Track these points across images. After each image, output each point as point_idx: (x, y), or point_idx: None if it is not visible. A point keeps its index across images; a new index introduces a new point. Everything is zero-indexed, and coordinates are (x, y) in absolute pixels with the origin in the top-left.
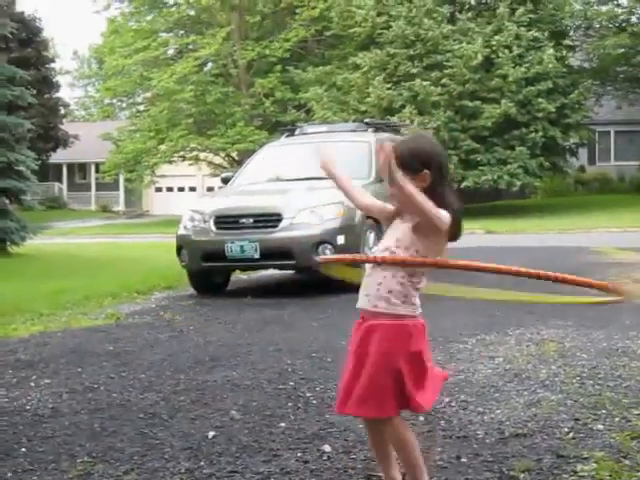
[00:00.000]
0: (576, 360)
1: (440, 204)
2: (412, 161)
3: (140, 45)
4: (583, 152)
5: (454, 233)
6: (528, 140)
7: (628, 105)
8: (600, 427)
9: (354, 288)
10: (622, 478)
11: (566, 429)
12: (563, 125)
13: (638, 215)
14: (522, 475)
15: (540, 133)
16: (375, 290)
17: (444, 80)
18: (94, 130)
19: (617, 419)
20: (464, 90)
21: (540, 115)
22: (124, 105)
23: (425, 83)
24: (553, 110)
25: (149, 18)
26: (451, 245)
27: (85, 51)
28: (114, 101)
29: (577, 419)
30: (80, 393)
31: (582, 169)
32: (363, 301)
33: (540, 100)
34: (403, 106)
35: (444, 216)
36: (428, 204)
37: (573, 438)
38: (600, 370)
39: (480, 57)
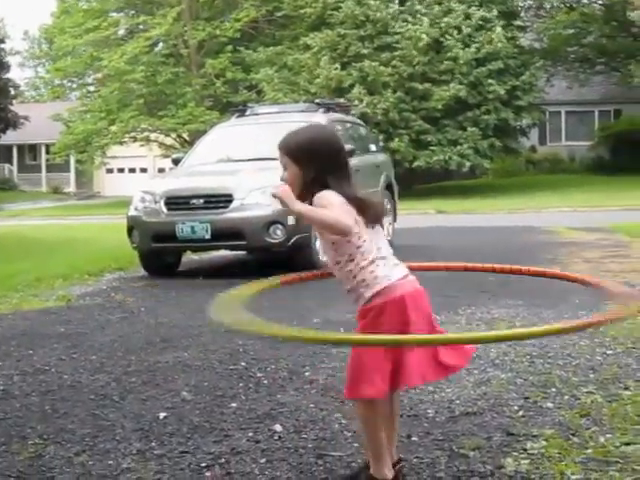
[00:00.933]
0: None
1: (314, 189)
2: (297, 153)
3: (90, 25)
4: (534, 132)
5: (372, 216)
6: (481, 121)
7: (579, 86)
8: (550, 405)
9: (305, 268)
10: (571, 455)
11: (516, 407)
12: (515, 107)
13: (588, 195)
14: (472, 453)
15: (493, 115)
16: (353, 299)
17: (394, 62)
18: (44, 111)
19: (566, 397)
20: (414, 72)
21: (491, 97)
22: (74, 86)
23: (374, 64)
24: (503, 93)
25: None
26: (402, 226)
27: (35, 31)
28: (64, 82)
29: (527, 397)
30: (31, 375)
31: (533, 149)
32: None
33: (491, 81)
34: (352, 86)
35: (346, 219)
36: (322, 216)
37: (523, 416)
38: (550, 349)
39: (426, 39)
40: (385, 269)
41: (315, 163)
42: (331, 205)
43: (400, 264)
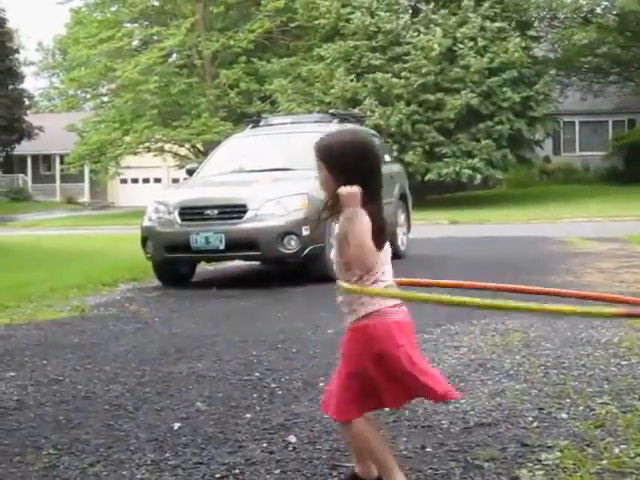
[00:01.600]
0: (540, 350)
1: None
2: (327, 157)
3: (104, 36)
4: (548, 142)
5: (385, 239)
6: (494, 132)
7: (593, 96)
8: (564, 416)
9: (319, 279)
10: (586, 466)
11: (530, 418)
12: (529, 117)
13: (602, 205)
14: (487, 464)
15: (507, 125)
16: (343, 312)
17: (404, 73)
18: (59, 121)
19: (581, 408)
20: (426, 82)
21: (505, 105)
22: (88, 96)
23: (387, 76)
24: (518, 100)
25: (113, 9)
26: (415, 236)
27: (49, 42)
28: (78, 92)
29: (541, 408)
30: (45, 385)
31: (547, 159)
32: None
33: (505, 89)
34: (366, 97)
35: (369, 256)
36: (365, 243)
37: (537, 427)
38: (564, 359)
39: (438, 48)
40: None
41: (345, 169)
42: (361, 235)
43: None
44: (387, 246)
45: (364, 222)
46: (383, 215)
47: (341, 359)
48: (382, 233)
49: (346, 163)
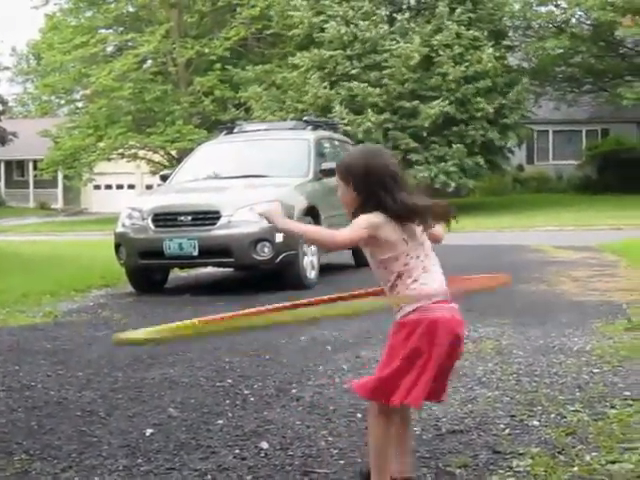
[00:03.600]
0: (513, 357)
1: (365, 210)
2: (342, 174)
3: (79, 41)
4: (522, 151)
5: (423, 222)
6: (467, 137)
7: (567, 106)
8: (536, 423)
9: (292, 286)
10: (557, 473)
11: (502, 425)
12: (501, 125)
13: (576, 214)
14: (458, 471)
15: (480, 132)
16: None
17: (384, 80)
18: (32, 127)
19: (553, 415)
20: (403, 90)
21: (479, 115)
22: (63, 102)
23: (363, 85)
24: (491, 111)
25: (88, 14)
26: None
27: (23, 47)
28: (53, 98)
29: (513, 415)
30: (17, 391)
31: (520, 168)
32: None
33: (479, 99)
34: (341, 105)
35: (335, 234)
36: (314, 231)
37: (509, 434)
38: (536, 367)
39: (418, 56)
40: (427, 289)
41: (363, 185)
42: (351, 226)
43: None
44: (427, 243)
45: (357, 220)
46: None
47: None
48: (414, 216)
49: (364, 179)
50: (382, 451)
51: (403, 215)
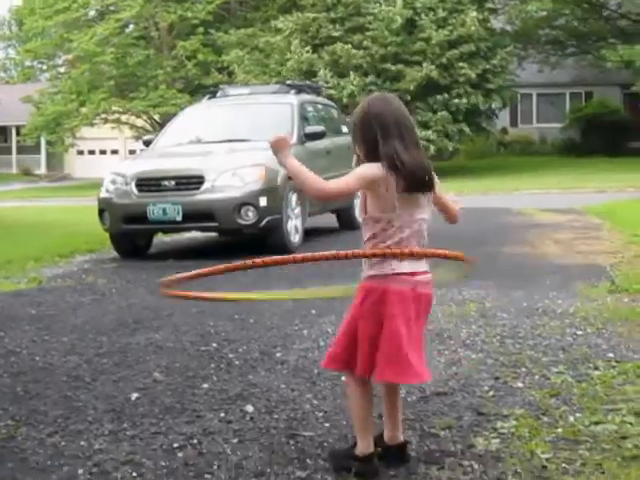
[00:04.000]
0: (497, 320)
1: (372, 158)
2: (350, 123)
3: (61, 6)
4: (505, 114)
5: (409, 184)
6: (451, 105)
7: (550, 69)
8: (520, 385)
9: (276, 250)
10: (541, 435)
11: (486, 387)
12: (485, 89)
13: (560, 177)
14: (443, 433)
15: (464, 99)
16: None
17: (366, 43)
18: (15, 92)
19: (537, 377)
20: (386, 53)
21: (462, 80)
22: (45, 67)
23: (346, 47)
24: (474, 76)
25: None
26: None
27: (5, 13)
28: (35, 63)
29: (497, 377)
30: (2, 357)
31: (504, 131)
32: None
33: (462, 64)
34: (325, 69)
35: (325, 184)
36: (303, 175)
37: (493, 396)
38: (520, 329)
39: (400, 20)
40: (391, 261)
41: (365, 132)
42: (347, 176)
43: (421, 262)
44: (419, 215)
45: (356, 170)
46: (417, 160)
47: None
48: (403, 174)
49: (364, 130)
50: (360, 418)
51: (402, 170)
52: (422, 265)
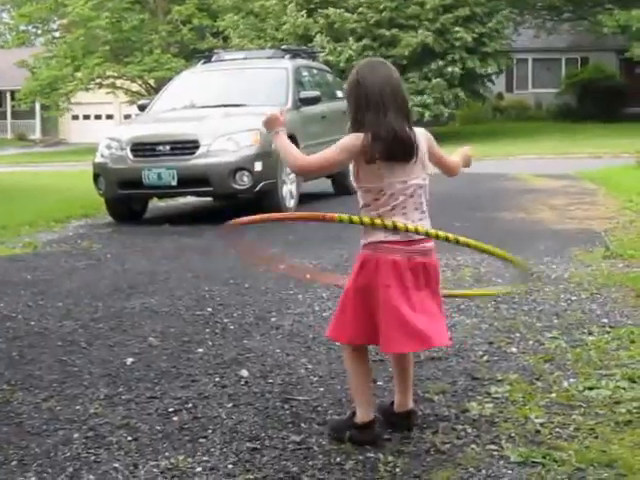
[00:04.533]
0: (491, 285)
1: (357, 127)
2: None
3: None
4: (501, 79)
5: (371, 156)
6: (446, 73)
7: (546, 34)
8: (514, 350)
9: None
10: (535, 399)
11: (480, 352)
12: (481, 53)
13: (555, 142)
14: (437, 397)
15: (458, 65)
16: None
17: (361, 9)
18: (9, 57)
19: (530, 342)
20: (381, 18)
21: (458, 44)
22: (39, 32)
23: (339, 10)
24: (470, 40)
25: None
26: None
27: None
28: (29, 28)
29: (491, 342)
30: None
31: (500, 96)
32: None
33: (458, 29)
34: (321, 32)
35: (299, 158)
36: (285, 152)
37: (487, 361)
38: (514, 294)
39: None
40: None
41: (352, 99)
42: (327, 149)
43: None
44: (412, 183)
45: (339, 141)
46: (395, 129)
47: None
48: (385, 145)
49: (351, 96)
50: (357, 385)
51: (382, 139)
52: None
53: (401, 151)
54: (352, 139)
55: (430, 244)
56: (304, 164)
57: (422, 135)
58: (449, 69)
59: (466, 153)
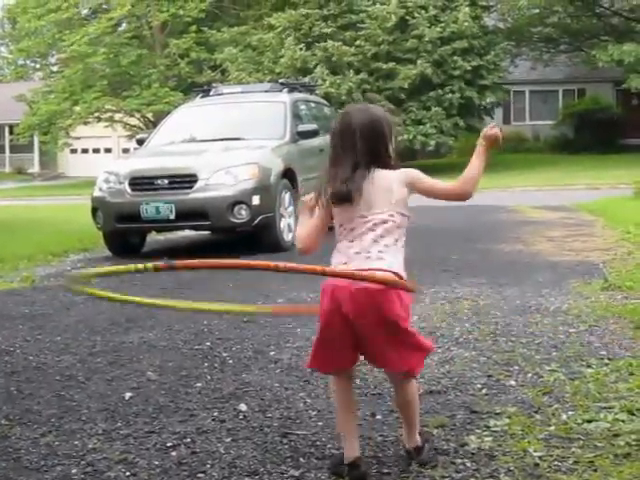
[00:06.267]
0: (490, 317)
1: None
2: None
3: (53, 5)
4: (498, 112)
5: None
6: (444, 101)
7: (543, 66)
8: (512, 383)
9: (269, 248)
10: (534, 432)
11: (479, 385)
12: (479, 86)
13: (552, 174)
14: (436, 431)
15: (457, 94)
16: None
17: (358, 41)
18: (7, 91)
19: (529, 375)
20: (379, 51)
21: (456, 74)
22: (38, 66)
23: (337, 43)
24: (469, 69)
25: None
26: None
27: None
28: (28, 62)
29: (490, 375)
30: None
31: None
32: None
33: (456, 58)
34: (316, 66)
35: (297, 234)
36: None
37: (486, 394)
38: (513, 327)
39: (394, 18)
40: (336, 258)
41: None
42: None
43: (360, 259)
44: (371, 217)
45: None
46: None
47: None
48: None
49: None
50: (339, 417)
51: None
52: (365, 263)
53: (340, 198)
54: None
55: (374, 273)
56: (298, 238)
57: (402, 174)
58: (448, 96)
59: (489, 134)
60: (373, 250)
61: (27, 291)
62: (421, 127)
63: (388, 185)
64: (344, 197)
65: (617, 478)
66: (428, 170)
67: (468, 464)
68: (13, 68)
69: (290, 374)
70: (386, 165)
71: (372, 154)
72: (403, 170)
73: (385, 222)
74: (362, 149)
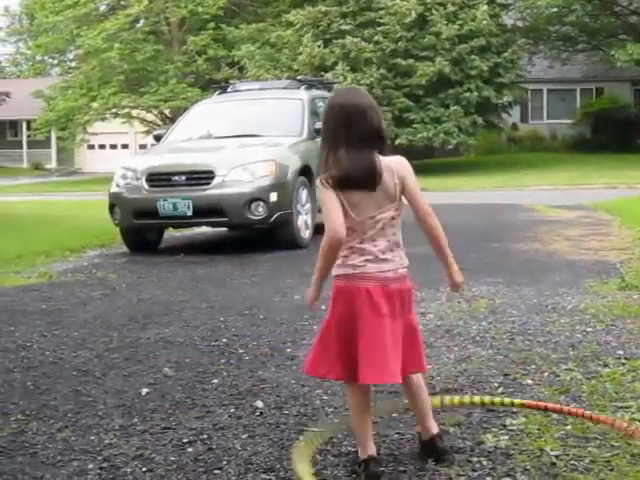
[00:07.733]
0: (506, 316)
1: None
2: None
3: (70, 1)
4: (516, 110)
5: (347, 183)
6: (462, 99)
7: (561, 64)
8: (529, 382)
9: (286, 245)
10: (550, 431)
11: (496, 384)
12: (496, 84)
13: (570, 173)
14: (452, 429)
15: (475, 93)
16: None
17: (377, 37)
18: (26, 87)
19: (546, 374)
20: (397, 48)
21: (473, 73)
22: (55, 62)
23: (356, 40)
24: (486, 69)
25: None
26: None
27: (16, 7)
28: (46, 58)
29: (507, 374)
30: (13, 351)
31: (515, 127)
32: None
33: (473, 57)
34: (336, 63)
35: (322, 245)
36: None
37: (502, 393)
38: (530, 326)
39: (414, 14)
40: (354, 259)
41: (322, 141)
42: (323, 211)
43: (384, 259)
44: (380, 216)
45: (324, 192)
46: (351, 162)
47: None
48: (346, 182)
49: (324, 131)
50: (356, 421)
51: (339, 175)
52: (390, 264)
53: (360, 181)
54: (321, 193)
55: (403, 270)
56: (324, 247)
57: (397, 164)
58: (466, 94)
59: (457, 282)
60: (387, 251)
61: (44, 287)
62: (443, 125)
63: (391, 172)
64: (367, 182)
65: (634, 478)
66: (447, 168)
67: (484, 462)
68: (31, 64)
69: None
70: (384, 150)
71: (380, 135)
72: (397, 159)
73: (393, 218)
74: (370, 129)
